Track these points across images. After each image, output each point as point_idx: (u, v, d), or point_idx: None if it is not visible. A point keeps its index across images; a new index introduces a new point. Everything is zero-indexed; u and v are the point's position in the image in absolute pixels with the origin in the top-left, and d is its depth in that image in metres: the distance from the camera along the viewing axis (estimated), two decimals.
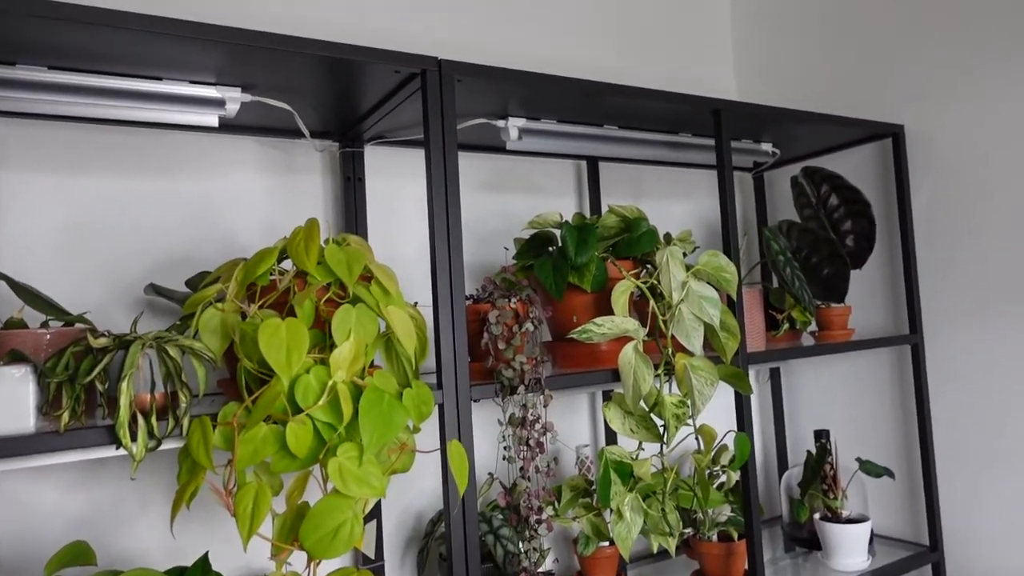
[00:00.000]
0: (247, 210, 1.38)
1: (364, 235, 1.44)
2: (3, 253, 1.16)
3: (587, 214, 1.77)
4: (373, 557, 1.36)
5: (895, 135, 1.70)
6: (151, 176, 1.29)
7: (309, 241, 0.96)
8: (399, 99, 1.18)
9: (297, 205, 1.42)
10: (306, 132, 1.25)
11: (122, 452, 0.85)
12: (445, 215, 1.06)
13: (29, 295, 0.94)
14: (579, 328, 1.13)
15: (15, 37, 0.90)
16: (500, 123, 1.39)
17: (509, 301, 1.15)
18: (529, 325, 1.14)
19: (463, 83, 1.15)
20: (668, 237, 1.29)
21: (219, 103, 1.10)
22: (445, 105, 1.09)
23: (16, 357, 0.84)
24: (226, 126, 1.32)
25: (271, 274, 0.98)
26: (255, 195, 1.38)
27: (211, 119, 1.13)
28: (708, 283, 1.25)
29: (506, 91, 1.23)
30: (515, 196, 1.68)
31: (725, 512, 1.48)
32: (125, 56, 0.98)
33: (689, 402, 1.16)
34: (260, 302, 0.96)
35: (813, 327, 1.66)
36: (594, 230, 1.25)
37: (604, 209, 1.78)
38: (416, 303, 1.23)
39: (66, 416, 0.81)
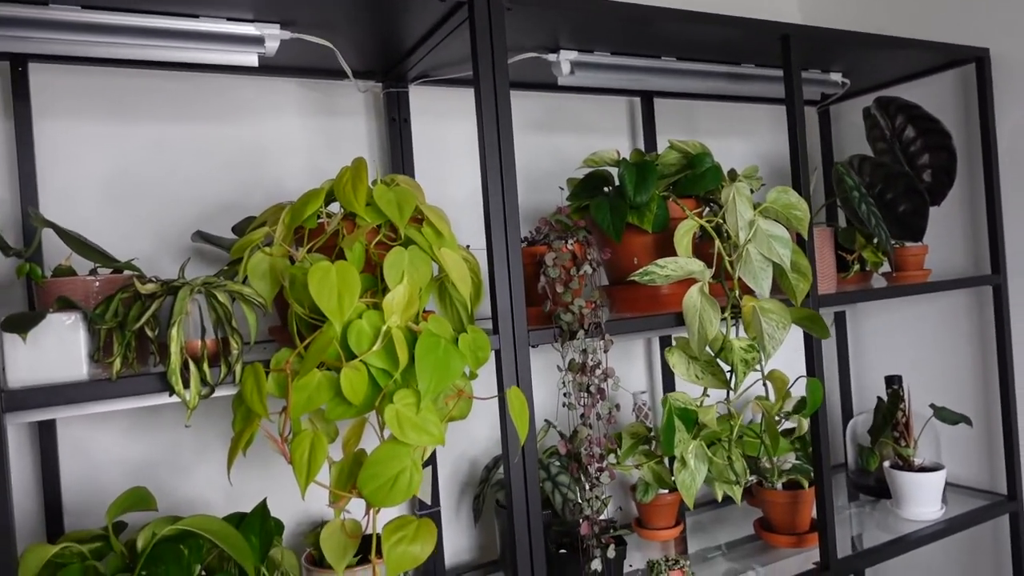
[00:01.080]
0: (292, 154, 1.34)
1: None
2: (50, 202, 1.15)
3: (640, 144, 1.69)
4: (429, 503, 1.36)
5: (979, 60, 1.56)
6: (195, 122, 1.26)
7: (357, 181, 0.91)
8: (444, 32, 1.11)
9: (342, 148, 1.38)
10: (348, 71, 1.20)
11: (175, 399, 0.83)
12: (498, 153, 1.00)
13: (77, 243, 0.92)
14: (641, 270, 1.07)
15: None
16: (551, 57, 1.31)
17: (566, 243, 1.09)
18: (587, 267, 1.08)
19: (513, 11, 1.07)
20: (733, 173, 1.21)
21: (257, 40, 1.05)
22: (495, 36, 1.02)
23: (65, 304, 0.82)
24: (267, 67, 1.28)
25: (318, 217, 0.94)
26: (299, 139, 1.34)
27: (250, 58, 1.08)
28: (777, 221, 1.17)
29: (557, 20, 1.15)
30: (566, 136, 1.60)
31: (790, 460, 1.43)
32: None
33: (759, 346, 1.10)
34: (308, 245, 0.93)
35: (884, 268, 1.56)
36: (654, 167, 1.17)
37: (660, 148, 1.70)
38: (468, 246, 1.18)
39: (118, 363, 0.79)
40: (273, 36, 1.06)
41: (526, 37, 1.21)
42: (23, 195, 1.11)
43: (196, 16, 1.02)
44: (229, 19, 1.04)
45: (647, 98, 1.67)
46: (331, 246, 0.93)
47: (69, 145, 1.17)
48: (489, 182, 0.99)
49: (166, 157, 1.23)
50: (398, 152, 1.38)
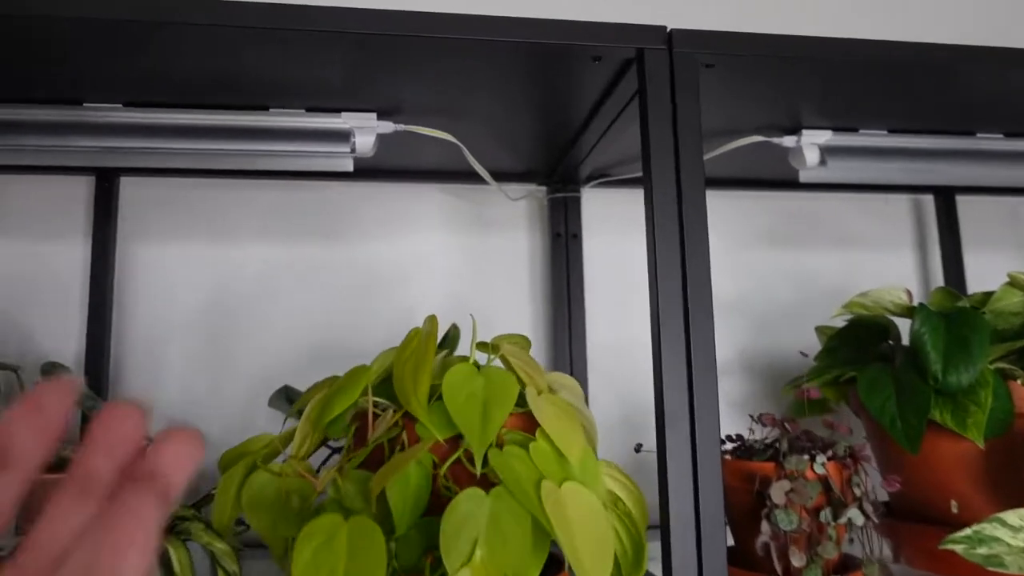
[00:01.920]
0: (426, 280, 1.01)
1: (580, 315, 0.99)
2: (127, 342, 0.93)
3: (940, 279, 1.12)
4: None
5: None
6: (303, 239, 0.99)
7: (420, 362, 0.53)
8: (615, 107, 0.72)
9: (491, 272, 1.02)
10: (483, 172, 0.85)
11: None
12: (682, 295, 0.57)
13: None
14: (965, 533, 0.55)
15: (80, 65, 0.62)
16: (787, 141, 0.85)
17: (811, 460, 0.61)
18: (855, 514, 0.58)
19: (716, 70, 0.65)
20: None
21: (343, 136, 0.74)
22: (681, 112, 0.60)
23: None
24: (398, 172, 0.98)
25: (373, 406, 0.57)
26: (437, 260, 1.01)
27: (341, 161, 0.78)
28: None
29: (797, 82, 0.70)
30: (812, 253, 1.11)
31: None
32: (203, 74, 0.66)
33: None
34: (340, 461, 0.55)
35: None
36: (981, 322, 0.65)
37: (967, 269, 1.12)
38: (640, 446, 0.74)
39: None
40: (366, 129, 0.75)
41: (744, 111, 0.78)
42: (90, 338, 0.89)
43: (264, 108, 0.74)
44: (309, 109, 0.75)
45: (945, 196, 1.12)
46: (379, 459, 0.55)
47: (152, 271, 0.95)
48: (662, 342, 0.56)
49: (268, 284, 0.97)
50: (563, 278, 1.00)
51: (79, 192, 0.95)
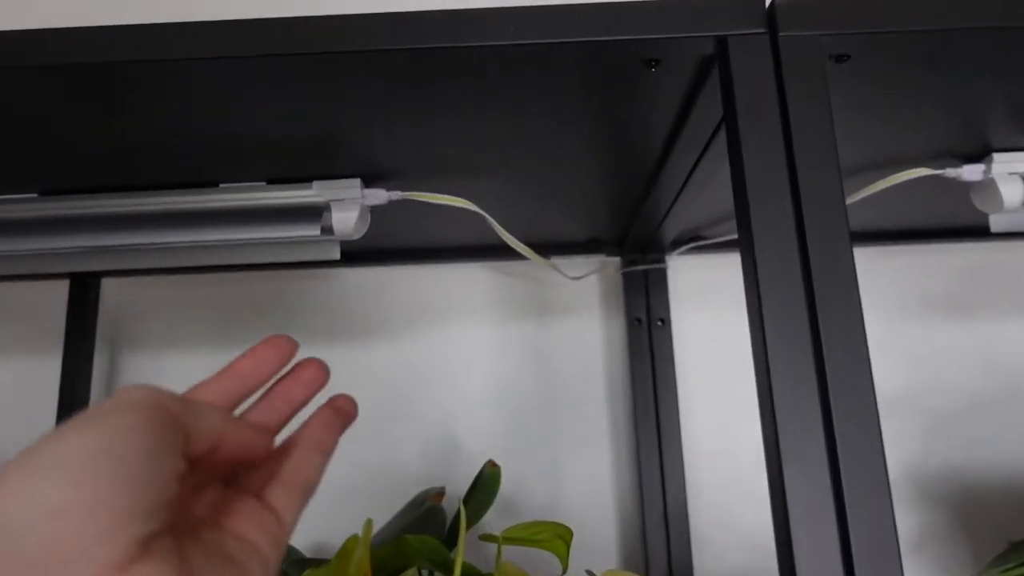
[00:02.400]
0: (468, 386, 0.78)
1: (672, 423, 0.73)
2: None
3: None
4: None
5: None
6: (318, 339, 0.79)
7: None
8: (697, 135, 0.48)
9: (553, 372, 0.79)
10: (517, 244, 0.62)
11: None
12: (820, 398, 0.32)
13: None
14: None
15: None
16: (967, 172, 0.57)
17: None
18: None
19: (850, 63, 0.40)
20: None
21: (312, 214, 0.54)
22: (799, 123, 0.36)
23: None
24: (423, 251, 0.77)
25: None
26: (481, 360, 0.79)
27: (319, 248, 0.58)
28: None
29: (980, 80, 0.44)
30: (1009, 323, 0.79)
31: None
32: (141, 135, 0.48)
33: None
34: None
35: None
36: None
37: None
38: None
39: None
40: (347, 202, 0.54)
41: (900, 129, 0.51)
42: None
43: (213, 185, 0.55)
44: (271, 181, 0.55)
45: None
46: None
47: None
48: (791, 481, 0.31)
49: None
50: (646, 377, 0.74)
51: (58, 298, 0.80)
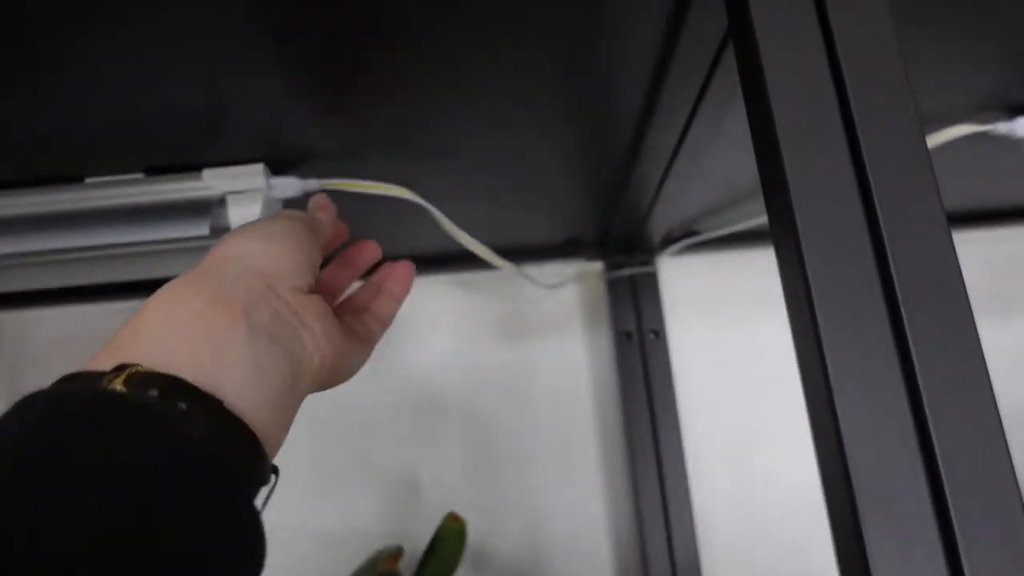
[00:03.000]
0: (430, 418, 0.66)
1: (675, 453, 0.61)
2: None
3: None
4: None
5: None
6: None
7: None
8: (694, 66, 0.36)
9: (533, 399, 0.66)
10: (474, 244, 0.50)
11: None
12: (917, 435, 0.20)
13: None
14: None
15: None
16: (1020, 126, 0.46)
17: None
18: None
19: None
20: None
21: (201, 209, 0.42)
22: (844, 32, 0.24)
23: None
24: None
25: None
26: (449, 386, 0.67)
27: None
28: None
29: None
30: None
31: None
32: None
33: None
34: None
35: None
36: None
37: None
38: None
39: None
40: (248, 193, 0.42)
41: (941, 70, 0.40)
42: None
43: (78, 179, 0.43)
44: (150, 172, 0.43)
45: None
46: None
47: None
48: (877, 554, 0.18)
49: None
50: (639, 399, 0.62)
51: None
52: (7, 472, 0.20)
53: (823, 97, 0.24)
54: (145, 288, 0.66)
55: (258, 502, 0.25)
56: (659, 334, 0.64)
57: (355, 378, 0.65)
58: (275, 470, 0.26)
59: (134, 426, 0.21)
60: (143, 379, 0.23)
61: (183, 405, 0.22)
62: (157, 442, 0.21)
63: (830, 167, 0.24)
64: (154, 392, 0.22)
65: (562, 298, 0.67)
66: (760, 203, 0.50)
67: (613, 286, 0.65)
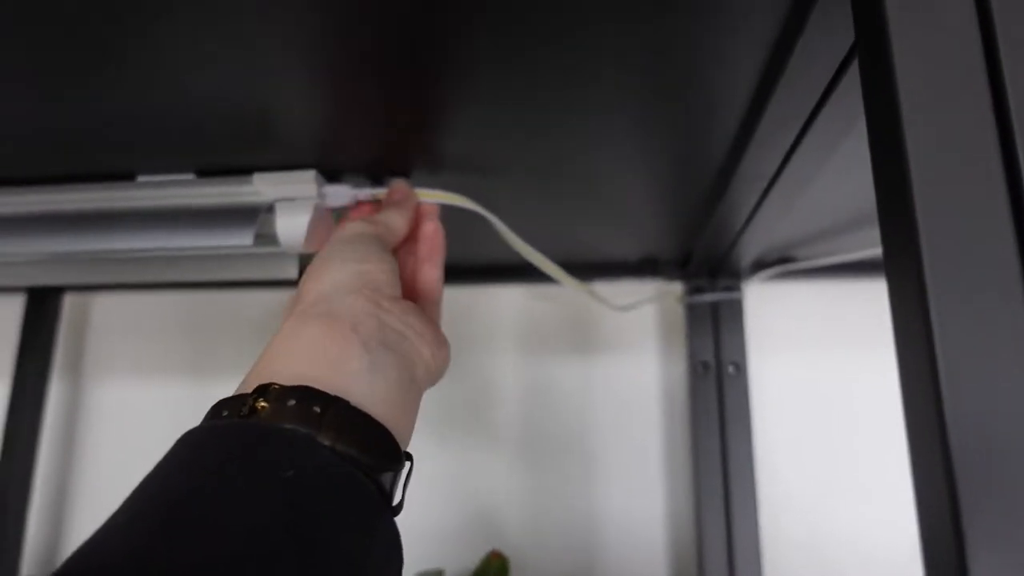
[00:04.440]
0: (486, 431, 0.63)
1: (747, 498, 0.55)
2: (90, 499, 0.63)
3: None
4: None
5: None
6: None
7: None
8: (809, 82, 0.31)
9: (596, 429, 0.62)
10: (537, 258, 0.46)
11: None
12: None
13: None
14: None
15: None
16: None
17: None
18: None
19: None
20: None
21: (247, 216, 0.39)
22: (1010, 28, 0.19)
23: None
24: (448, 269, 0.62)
25: None
26: (514, 392, 0.63)
27: (270, 266, 0.43)
28: None
29: None
30: None
31: None
32: None
33: None
34: None
35: None
36: None
37: None
38: None
39: None
40: (298, 202, 0.39)
41: None
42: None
43: (131, 177, 0.41)
44: (202, 174, 0.41)
45: None
46: None
47: (112, 414, 0.66)
48: None
49: None
50: (713, 437, 0.57)
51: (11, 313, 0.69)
52: (175, 500, 0.22)
53: (975, 131, 0.19)
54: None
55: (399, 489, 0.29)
56: (740, 367, 0.58)
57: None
58: (409, 456, 0.29)
59: (281, 452, 0.24)
60: (281, 394, 0.26)
61: (316, 408, 0.25)
62: (299, 462, 0.24)
63: (971, 202, 0.18)
64: (292, 402, 0.25)
65: (635, 320, 0.62)
66: (866, 233, 0.43)
67: (693, 311, 0.59)
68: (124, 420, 0.67)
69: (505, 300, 0.65)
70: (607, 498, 0.60)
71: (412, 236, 0.40)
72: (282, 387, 0.26)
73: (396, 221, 0.37)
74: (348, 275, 0.32)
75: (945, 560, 0.17)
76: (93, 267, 0.46)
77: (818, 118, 0.31)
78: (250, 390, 0.27)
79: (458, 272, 0.62)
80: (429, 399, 0.63)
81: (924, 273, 0.18)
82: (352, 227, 0.36)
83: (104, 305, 0.69)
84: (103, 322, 0.69)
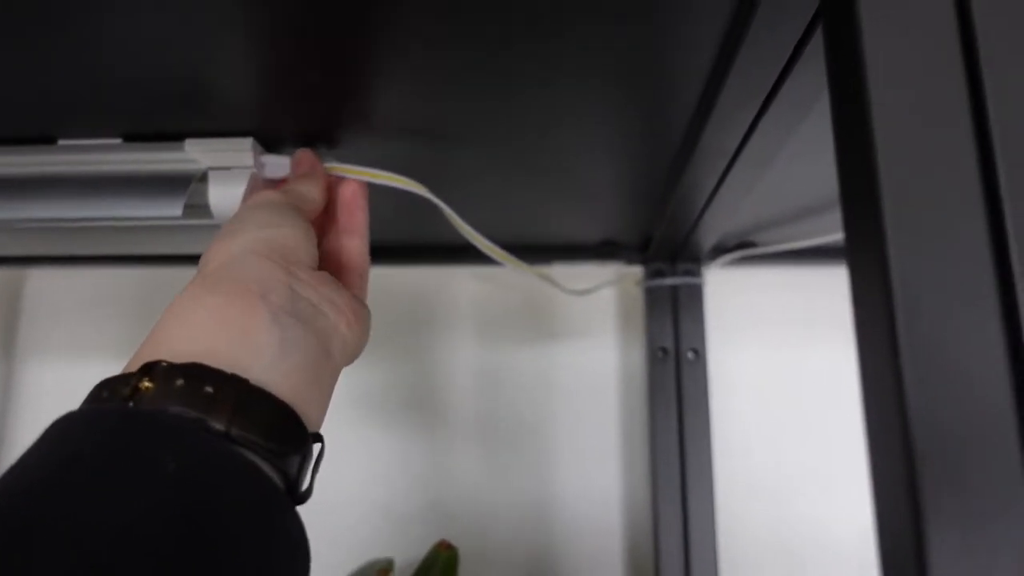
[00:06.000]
0: (440, 418, 0.61)
1: (706, 499, 0.54)
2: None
3: None
4: None
5: None
6: None
7: None
8: (770, 54, 0.29)
9: (552, 417, 0.61)
10: (486, 245, 0.44)
11: None
12: None
13: None
14: None
15: None
16: None
17: None
18: None
19: None
20: None
21: (178, 184, 0.36)
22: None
23: None
24: (394, 249, 0.59)
25: None
26: (468, 375, 0.61)
27: (205, 240, 0.40)
28: None
29: None
30: None
31: None
32: None
33: None
34: None
35: None
36: None
37: None
38: None
39: None
40: (234, 171, 0.37)
41: None
42: None
43: (52, 140, 0.38)
44: (129, 138, 0.38)
45: None
46: None
47: (48, 396, 0.63)
48: None
49: None
50: (670, 426, 0.56)
51: None
52: (53, 494, 0.20)
53: (947, 105, 0.18)
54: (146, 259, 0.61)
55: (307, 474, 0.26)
56: (699, 353, 0.57)
57: (368, 369, 0.60)
58: (319, 438, 0.27)
59: (162, 441, 0.21)
60: (167, 372, 0.23)
61: (209, 388, 0.23)
62: (183, 452, 0.21)
63: (947, 194, 0.17)
64: (180, 382, 0.23)
65: (593, 304, 0.61)
66: (826, 219, 0.42)
67: (652, 295, 0.58)
68: (59, 401, 0.64)
69: (459, 281, 0.63)
70: (563, 484, 0.59)
71: (331, 208, 0.37)
72: (170, 365, 0.23)
73: (309, 190, 0.35)
74: (258, 240, 0.29)
75: (902, 546, 0.16)
76: (19, 238, 0.43)
77: (780, 91, 0.29)
78: (136, 368, 0.24)
79: (409, 252, 0.60)
80: (379, 382, 0.61)
81: (888, 257, 0.17)
82: (262, 195, 0.33)
83: (37, 281, 0.66)
84: (36, 299, 0.65)
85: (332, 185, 0.37)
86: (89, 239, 0.42)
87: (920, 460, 0.16)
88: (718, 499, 0.55)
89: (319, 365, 0.27)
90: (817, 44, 0.26)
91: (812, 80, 0.28)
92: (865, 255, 0.18)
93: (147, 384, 0.23)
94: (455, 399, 0.61)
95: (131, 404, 0.23)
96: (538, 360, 0.61)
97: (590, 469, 0.59)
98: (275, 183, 0.39)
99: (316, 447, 0.27)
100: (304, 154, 0.37)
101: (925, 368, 0.16)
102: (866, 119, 0.18)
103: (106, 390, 0.24)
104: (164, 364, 0.23)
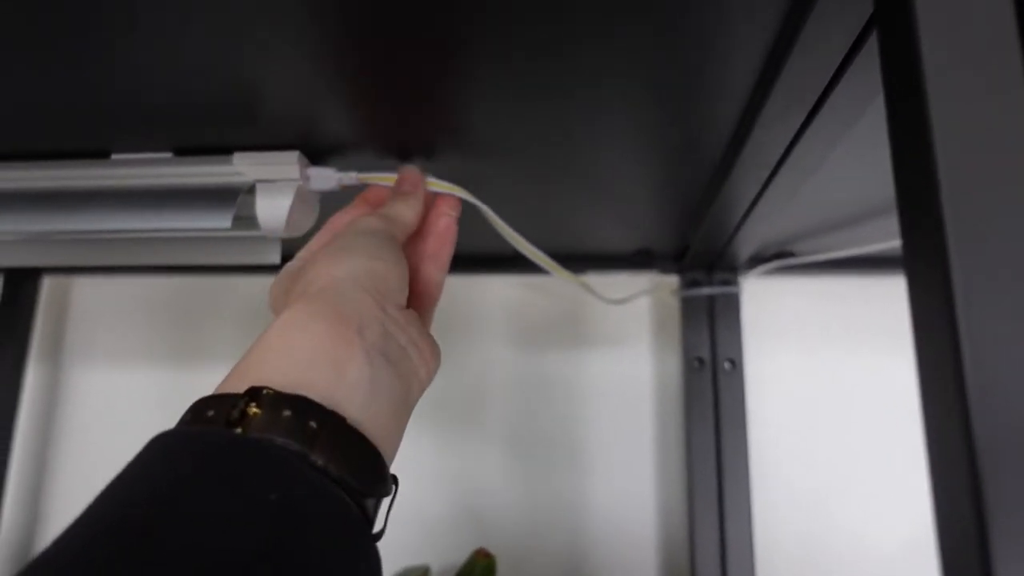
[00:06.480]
0: (473, 423, 0.61)
1: (742, 510, 0.54)
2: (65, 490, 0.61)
3: None
4: None
5: None
6: None
7: None
8: (820, 61, 0.29)
9: (585, 425, 0.60)
10: (530, 251, 0.44)
11: None
12: None
13: None
14: None
15: None
16: None
17: None
18: None
19: None
20: None
21: (226, 197, 0.37)
22: None
23: None
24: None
25: None
26: (504, 382, 0.61)
27: (252, 251, 0.41)
28: None
29: None
30: None
31: None
32: None
33: None
34: None
35: None
36: None
37: None
38: None
39: None
40: (281, 183, 0.38)
41: None
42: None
43: (106, 155, 0.39)
44: (180, 152, 0.39)
45: None
46: None
47: (92, 401, 0.64)
48: None
49: None
50: (707, 437, 0.55)
51: None
52: (145, 514, 0.20)
53: (1008, 107, 0.17)
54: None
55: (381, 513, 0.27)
56: (735, 363, 0.57)
57: None
58: (395, 480, 0.28)
59: (268, 472, 0.22)
60: (276, 401, 0.24)
61: (313, 424, 0.23)
62: (286, 484, 0.22)
63: (1010, 198, 0.17)
64: (287, 413, 0.23)
65: (629, 313, 0.61)
66: (867, 228, 0.42)
67: (688, 305, 0.58)
68: (104, 406, 0.65)
69: (497, 291, 0.63)
70: (599, 494, 0.59)
71: (420, 229, 0.37)
72: (277, 393, 0.24)
73: (406, 214, 0.35)
74: (361, 271, 0.30)
75: (967, 563, 0.16)
76: (70, 248, 0.44)
77: (829, 99, 0.29)
78: (242, 388, 0.24)
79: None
80: None
81: (950, 266, 0.17)
82: (367, 222, 0.33)
83: (84, 288, 0.67)
84: (83, 306, 0.67)
85: (427, 209, 0.37)
86: (135, 250, 0.43)
87: (984, 472, 0.16)
88: (755, 509, 0.54)
89: (399, 407, 0.28)
90: (869, 50, 0.26)
91: (863, 86, 0.28)
92: (925, 263, 0.18)
93: (255, 410, 0.23)
94: (490, 407, 0.61)
95: (239, 429, 0.23)
96: (573, 369, 0.61)
97: (625, 478, 0.59)
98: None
99: (393, 490, 0.28)
100: (409, 172, 0.37)
101: (988, 377, 0.16)
102: (925, 127, 0.18)
103: (211, 409, 0.24)
104: (270, 392, 0.24)
